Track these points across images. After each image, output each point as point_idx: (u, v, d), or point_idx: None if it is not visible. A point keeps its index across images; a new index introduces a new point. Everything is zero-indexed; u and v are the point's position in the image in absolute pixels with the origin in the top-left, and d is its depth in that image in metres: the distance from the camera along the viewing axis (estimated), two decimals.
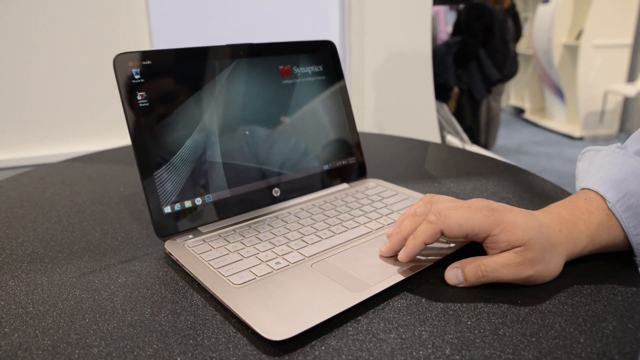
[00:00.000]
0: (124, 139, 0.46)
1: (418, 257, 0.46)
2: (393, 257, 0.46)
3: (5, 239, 0.55)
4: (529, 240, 0.40)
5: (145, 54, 0.52)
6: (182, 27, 1.57)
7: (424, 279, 0.44)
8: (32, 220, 0.61)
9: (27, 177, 0.79)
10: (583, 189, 0.47)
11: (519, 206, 0.60)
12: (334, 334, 0.37)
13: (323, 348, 0.36)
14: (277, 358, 0.35)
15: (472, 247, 0.49)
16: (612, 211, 0.44)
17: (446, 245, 0.48)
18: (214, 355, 0.35)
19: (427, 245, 0.43)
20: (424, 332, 0.37)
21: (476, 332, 0.37)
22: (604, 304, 0.40)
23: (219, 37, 1.62)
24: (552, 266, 0.42)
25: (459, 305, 0.40)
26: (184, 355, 0.35)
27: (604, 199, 0.44)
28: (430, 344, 0.36)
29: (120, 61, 0.50)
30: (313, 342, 0.36)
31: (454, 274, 0.43)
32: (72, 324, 0.39)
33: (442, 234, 0.42)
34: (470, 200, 0.45)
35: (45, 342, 0.37)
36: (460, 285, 0.42)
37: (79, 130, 1.47)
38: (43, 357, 0.35)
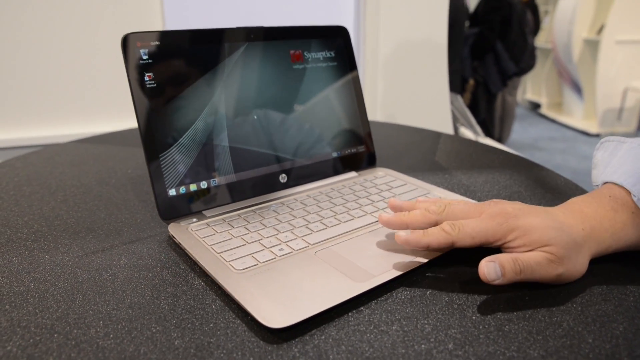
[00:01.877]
0: (134, 121, 0.45)
1: (423, 250, 0.45)
2: (399, 247, 0.45)
3: (11, 217, 0.56)
4: (549, 240, 0.39)
5: (154, 35, 0.51)
6: (195, 9, 1.56)
7: (429, 271, 0.43)
8: (38, 199, 0.61)
9: (37, 156, 0.79)
10: (606, 182, 0.46)
11: (530, 201, 0.59)
12: (334, 323, 0.36)
13: (323, 337, 0.35)
14: (275, 346, 0.34)
15: None
16: (638, 207, 0.42)
17: None
18: (211, 340, 0.35)
19: None
20: (427, 325, 0.36)
21: (481, 327, 0.36)
22: (614, 304, 0.39)
23: (232, 20, 1.60)
24: (578, 265, 0.40)
25: (464, 299, 0.39)
26: (182, 339, 0.35)
27: (629, 193, 0.42)
28: (433, 337, 0.35)
29: (128, 41, 0.49)
30: (313, 331, 0.35)
31: (492, 268, 0.38)
32: (71, 303, 0.39)
33: (454, 245, 0.41)
34: (484, 204, 0.43)
35: (45, 320, 0.37)
36: (495, 282, 0.38)
37: (89, 111, 1.47)
38: (41, 335, 0.35)
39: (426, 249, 0.43)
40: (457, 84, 2.45)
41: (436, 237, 0.41)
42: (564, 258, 0.39)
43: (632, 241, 0.43)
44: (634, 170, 0.43)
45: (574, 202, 0.45)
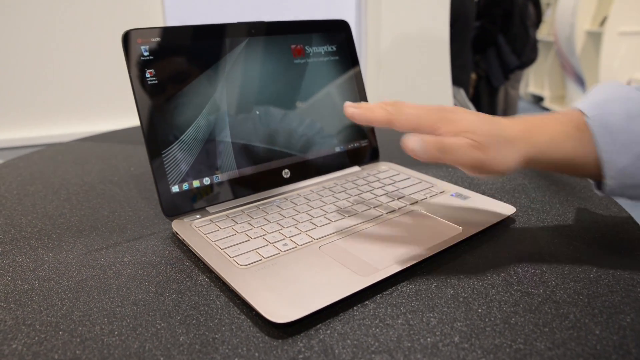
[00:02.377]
0: (136, 119, 0.45)
1: (428, 243, 0.45)
2: (403, 241, 0.45)
3: (15, 216, 0.56)
4: (472, 127, 0.41)
5: (155, 31, 0.50)
6: (196, 4, 1.56)
7: (434, 264, 0.43)
8: (42, 198, 0.61)
9: (40, 156, 0.79)
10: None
11: (535, 194, 0.58)
12: (339, 318, 0.36)
13: (328, 332, 0.35)
14: (280, 341, 0.34)
15: (480, 239, 0.48)
16: (588, 126, 0.42)
17: (455, 233, 0.47)
18: (216, 336, 0.34)
19: (435, 232, 0.41)
20: (432, 319, 0.36)
21: (487, 320, 0.36)
22: (621, 295, 0.38)
23: (233, 15, 1.60)
24: (505, 158, 0.41)
25: (469, 292, 0.39)
26: (187, 335, 0.35)
27: (583, 115, 0.43)
28: (438, 330, 0.35)
29: (128, 38, 0.49)
30: (318, 326, 0.35)
31: (416, 141, 0.39)
32: (76, 301, 0.39)
33: (392, 124, 0.42)
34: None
35: (50, 318, 0.37)
36: (419, 156, 0.39)
37: (91, 109, 1.47)
38: (46, 332, 0.35)
39: (367, 123, 0.44)
40: (463, 78, 2.44)
41: (378, 113, 0.43)
42: (485, 146, 0.40)
43: (574, 154, 0.42)
44: (598, 99, 0.44)
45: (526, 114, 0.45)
